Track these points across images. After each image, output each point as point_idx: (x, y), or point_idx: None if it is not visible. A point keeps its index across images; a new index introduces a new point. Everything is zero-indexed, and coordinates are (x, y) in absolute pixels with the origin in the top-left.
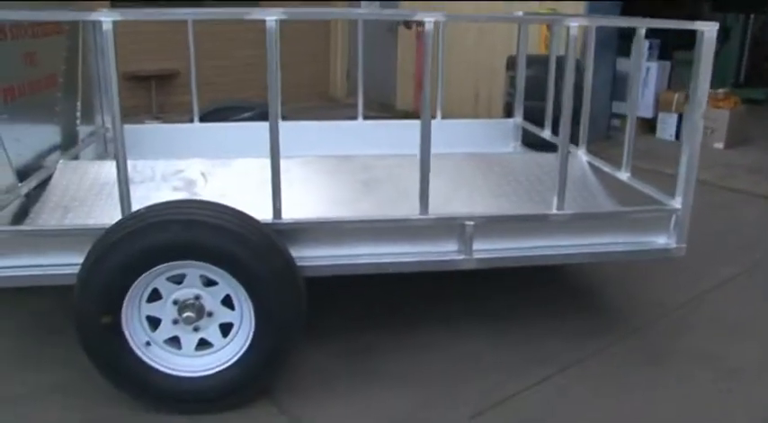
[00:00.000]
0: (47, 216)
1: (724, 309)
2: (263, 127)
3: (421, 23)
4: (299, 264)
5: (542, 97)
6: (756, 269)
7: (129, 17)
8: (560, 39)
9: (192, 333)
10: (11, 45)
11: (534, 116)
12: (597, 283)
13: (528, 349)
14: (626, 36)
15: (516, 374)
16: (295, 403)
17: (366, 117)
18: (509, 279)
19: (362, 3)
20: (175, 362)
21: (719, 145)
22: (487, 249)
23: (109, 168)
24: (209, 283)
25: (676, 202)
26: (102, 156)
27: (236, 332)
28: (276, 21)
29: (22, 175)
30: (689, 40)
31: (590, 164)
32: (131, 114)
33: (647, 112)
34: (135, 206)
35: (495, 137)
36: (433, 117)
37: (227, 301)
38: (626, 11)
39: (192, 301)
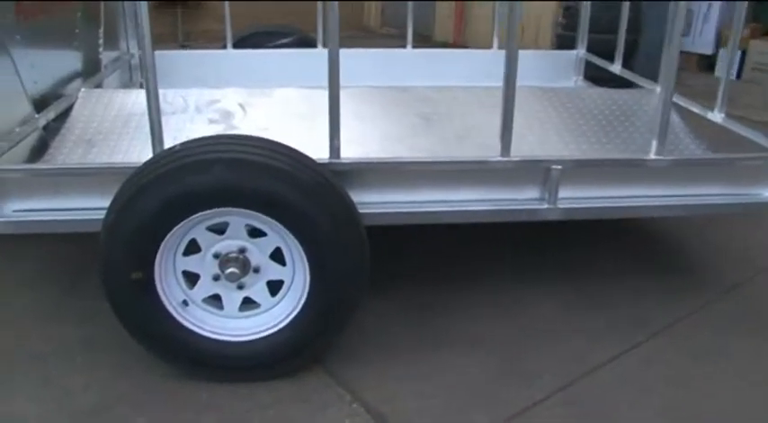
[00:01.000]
0: (68, 151)
1: None
2: (305, 54)
3: None
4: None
5: (599, 29)
6: None
7: None
8: None
9: (236, 291)
10: None
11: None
12: (677, 234)
13: (609, 312)
14: None
15: (598, 341)
16: (352, 372)
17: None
18: (582, 229)
19: None
20: (216, 324)
21: None
22: (573, 198)
23: (136, 98)
24: (256, 233)
25: None
26: (126, 84)
27: (287, 291)
28: None
29: (40, 104)
30: None
31: (674, 103)
32: (157, 42)
33: (707, 49)
34: (167, 141)
35: (555, 70)
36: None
37: (277, 256)
38: None
39: (235, 255)
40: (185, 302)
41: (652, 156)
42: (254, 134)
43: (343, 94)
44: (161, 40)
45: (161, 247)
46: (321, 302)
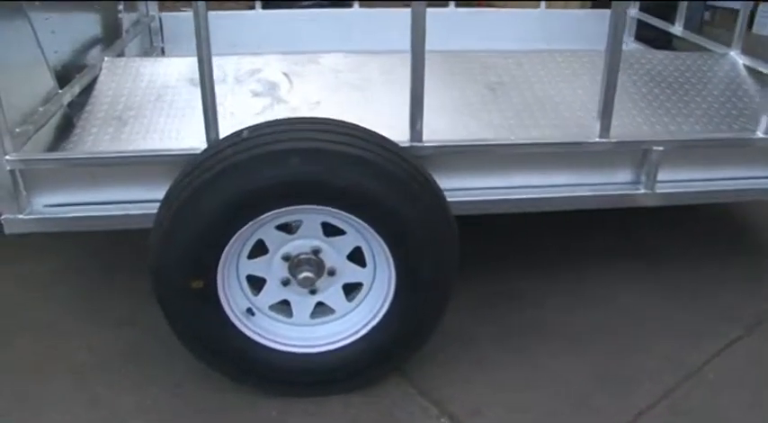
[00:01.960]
0: (97, 131)
1: None
2: (340, 14)
3: None
4: None
5: None
6: None
7: None
8: None
9: (308, 296)
10: None
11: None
12: (754, 215)
13: (701, 303)
14: None
15: (692, 337)
16: (434, 380)
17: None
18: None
19: None
20: (285, 334)
21: None
22: (672, 182)
23: (167, 67)
24: (332, 231)
25: None
26: (148, 51)
27: (366, 295)
28: None
29: (62, 77)
30: None
31: (747, 67)
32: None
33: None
34: None
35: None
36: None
37: (355, 256)
38: None
39: (308, 256)
40: (250, 311)
41: (760, 134)
42: (323, 116)
43: (398, 61)
44: None
45: (225, 252)
46: (407, 307)
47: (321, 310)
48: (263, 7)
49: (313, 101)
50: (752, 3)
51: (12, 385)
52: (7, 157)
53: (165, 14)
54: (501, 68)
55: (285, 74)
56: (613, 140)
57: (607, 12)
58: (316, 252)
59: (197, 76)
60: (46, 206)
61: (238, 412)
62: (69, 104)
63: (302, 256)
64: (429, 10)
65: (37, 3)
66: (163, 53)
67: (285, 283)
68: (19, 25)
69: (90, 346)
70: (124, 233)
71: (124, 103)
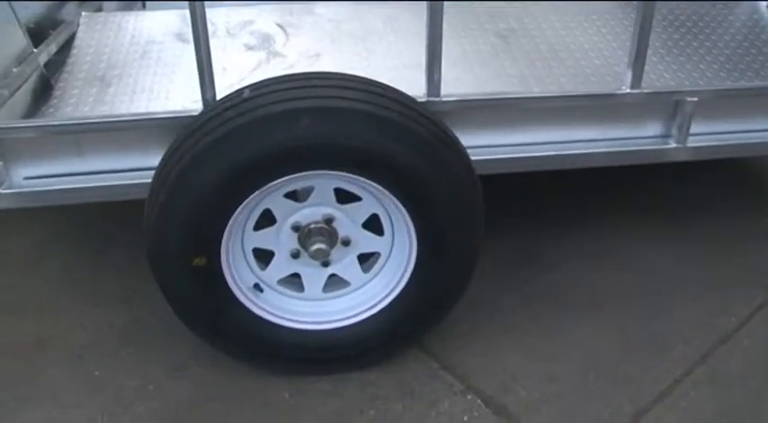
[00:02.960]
0: (79, 93)
1: None
2: None
3: None
4: None
5: None
6: None
7: None
8: None
9: (320, 269)
10: None
11: None
12: None
13: (726, 265)
14: None
15: (724, 299)
16: (457, 353)
17: None
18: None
19: None
20: (295, 310)
21: None
22: (703, 135)
23: (151, 21)
24: (345, 198)
25: None
26: (128, 5)
27: (383, 265)
28: None
29: (36, 35)
30: None
31: None
32: None
33: None
34: None
35: None
36: None
37: (371, 224)
38: None
39: (320, 226)
40: (257, 286)
41: None
42: (326, 70)
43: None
44: None
45: (228, 225)
46: (430, 277)
47: (334, 282)
48: None
49: (312, 54)
50: None
51: (5, 371)
52: None
53: None
54: (511, 16)
55: (279, 25)
56: (646, 91)
57: None
58: (328, 221)
59: (184, 30)
60: (26, 179)
61: (248, 396)
62: (46, 65)
63: (313, 226)
64: None
65: None
66: (144, 7)
67: (295, 255)
68: None
69: (84, 326)
70: (115, 204)
71: (106, 62)
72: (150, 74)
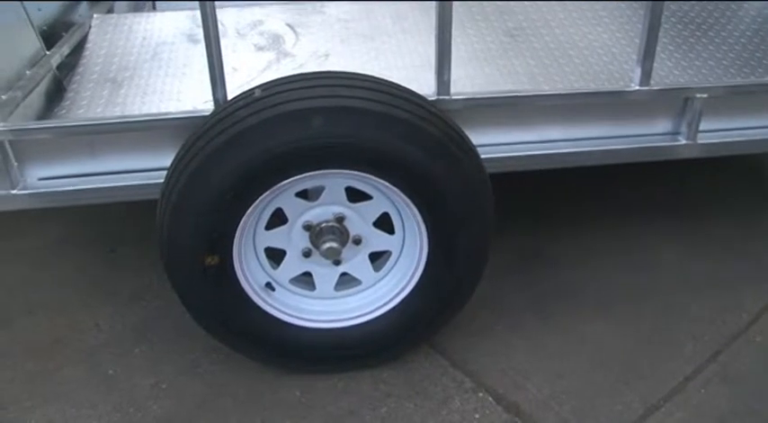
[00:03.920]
0: (91, 95)
1: None
2: None
3: None
4: None
5: None
6: None
7: None
8: None
9: (331, 267)
10: None
11: None
12: None
13: (736, 262)
14: None
15: (735, 296)
16: (468, 351)
17: None
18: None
19: None
20: (307, 308)
21: None
22: (713, 131)
23: (161, 23)
24: (356, 197)
25: None
26: (138, 6)
27: (394, 264)
28: None
29: (49, 38)
30: None
31: None
32: None
33: None
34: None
35: None
36: None
37: (382, 223)
38: None
39: (331, 225)
40: (269, 285)
41: None
42: (346, 70)
43: (412, 8)
44: None
45: (240, 224)
46: (441, 275)
47: (345, 281)
48: None
49: (322, 53)
50: None
51: (21, 370)
52: None
53: None
54: (520, 14)
55: (289, 25)
56: (655, 88)
57: None
58: (339, 220)
59: (194, 31)
60: (40, 180)
61: (260, 394)
62: (58, 67)
63: (325, 225)
64: None
65: None
66: (154, 8)
67: (307, 254)
68: None
69: (98, 325)
70: (128, 203)
71: (118, 64)
72: (161, 75)
